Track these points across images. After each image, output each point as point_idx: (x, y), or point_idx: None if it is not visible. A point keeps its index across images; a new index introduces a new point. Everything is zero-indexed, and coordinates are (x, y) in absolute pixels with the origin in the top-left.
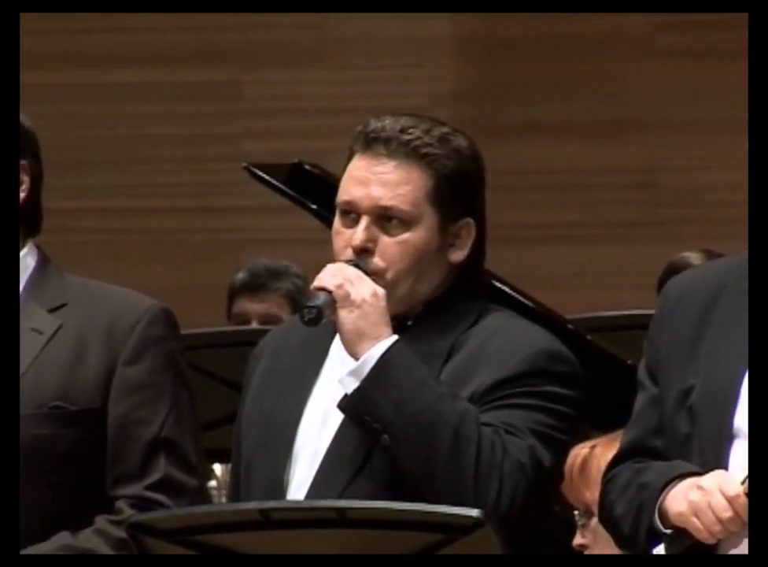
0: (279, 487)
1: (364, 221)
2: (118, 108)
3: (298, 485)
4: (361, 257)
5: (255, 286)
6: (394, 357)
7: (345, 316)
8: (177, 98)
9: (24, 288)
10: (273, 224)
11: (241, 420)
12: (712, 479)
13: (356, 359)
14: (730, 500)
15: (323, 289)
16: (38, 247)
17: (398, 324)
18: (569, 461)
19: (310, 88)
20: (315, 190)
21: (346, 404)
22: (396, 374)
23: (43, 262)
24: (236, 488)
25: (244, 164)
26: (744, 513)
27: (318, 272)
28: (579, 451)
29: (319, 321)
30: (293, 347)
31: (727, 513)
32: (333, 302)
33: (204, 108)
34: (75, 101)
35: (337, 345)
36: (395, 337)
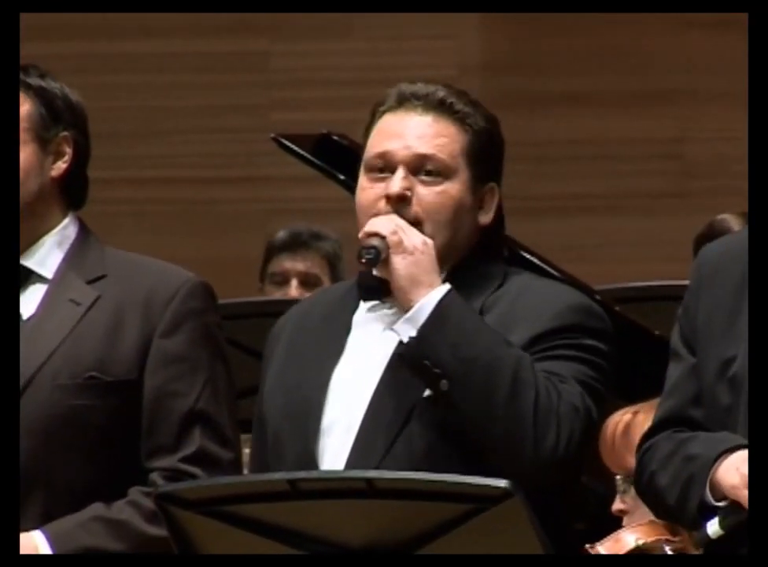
0: (311, 461)
1: (401, 170)
2: (146, 79)
3: (333, 456)
4: (398, 207)
5: (296, 244)
6: (450, 304)
7: (399, 262)
8: (206, 68)
9: (64, 259)
10: (301, 194)
11: (263, 397)
12: None
13: (409, 306)
14: None
15: (376, 234)
16: (79, 219)
17: None
18: (609, 427)
19: (338, 59)
20: (342, 161)
21: (405, 350)
22: (453, 320)
23: (83, 234)
24: (259, 464)
25: (272, 134)
26: None
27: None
28: (620, 417)
29: (377, 262)
30: (314, 322)
31: None
32: (386, 247)
33: (233, 79)
34: (103, 72)
35: (359, 319)
36: (448, 285)
